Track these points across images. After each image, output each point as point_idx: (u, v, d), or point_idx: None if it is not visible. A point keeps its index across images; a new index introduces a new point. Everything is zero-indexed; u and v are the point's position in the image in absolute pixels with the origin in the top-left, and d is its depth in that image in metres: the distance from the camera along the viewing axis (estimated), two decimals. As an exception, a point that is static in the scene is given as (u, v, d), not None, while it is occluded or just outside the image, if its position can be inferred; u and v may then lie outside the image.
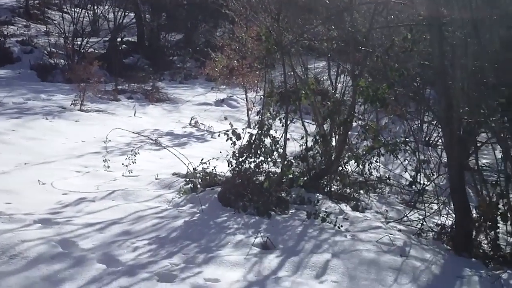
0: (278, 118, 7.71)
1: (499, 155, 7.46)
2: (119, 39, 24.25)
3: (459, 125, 8.01)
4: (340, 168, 8.68)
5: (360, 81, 7.03)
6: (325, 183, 8.18)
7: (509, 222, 6.99)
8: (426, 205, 7.93)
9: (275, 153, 7.50)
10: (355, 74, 7.75)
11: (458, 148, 6.58)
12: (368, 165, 8.53)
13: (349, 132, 8.36)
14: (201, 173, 7.66)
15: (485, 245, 6.48)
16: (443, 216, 7.16)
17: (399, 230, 6.87)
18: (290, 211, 7.02)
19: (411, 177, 7.45)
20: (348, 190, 8.32)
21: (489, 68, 7.40)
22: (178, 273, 4.81)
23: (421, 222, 6.96)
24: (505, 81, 7.21)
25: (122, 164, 8.24)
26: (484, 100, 7.23)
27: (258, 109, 9.39)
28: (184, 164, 7.73)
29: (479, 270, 5.88)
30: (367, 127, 7.93)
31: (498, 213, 6.37)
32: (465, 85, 6.80)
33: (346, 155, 8.63)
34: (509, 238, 7.17)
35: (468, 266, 5.94)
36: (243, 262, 5.19)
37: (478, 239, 6.52)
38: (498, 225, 6.44)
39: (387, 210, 7.94)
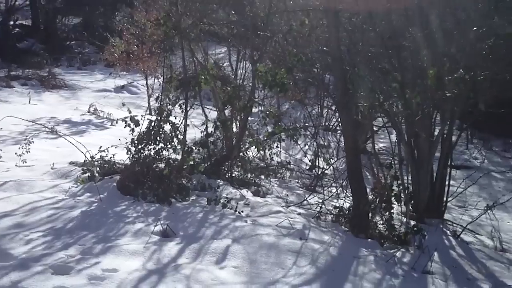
0: (178, 104, 7.60)
1: (394, 138, 7.75)
2: (11, 22, 23.11)
3: (356, 110, 8.24)
4: (242, 154, 8.71)
5: (259, 66, 7.04)
6: (226, 169, 8.17)
7: (402, 203, 7.29)
8: (326, 188, 8.10)
9: (175, 139, 7.38)
10: (254, 59, 7.74)
11: (354, 132, 6.74)
12: (269, 150, 8.60)
13: (250, 118, 8.38)
14: (99, 161, 7.43)
15: (381, 226, 6.69)
16: (341, 199, 7.33)
17: (299, 214, 6.97)
18: (191, 198, 6.95)
19: (309, 161, 7.57)
20: (249, 176, 8.35)
21: (384, 54, 7.63)
22: (74, 264, 4.63)
23: (320, 205, 7.09)
24: (399, 66, 7.46)
25: (15, 153, 7.86)
26: (379, 85, 7.45)
27: (157, 95, 9.23)
28: (82, 152, 7.47)
29: (375, 250, 6.06)
30: (268, 112, 7.97)
31: (392, 194, 6.59)
32: (360, 70, 6.98)
33: (247, 141, 8.66)
34: (403, 218, 7.47)
35: (364, 247, 6.10)
36: (142, 250, 5.08)
37: (374, 220, 6.72)
38: (393, 206, 6.67)
39: (287, 195, 8.04)
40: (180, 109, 7.75)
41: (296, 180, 9.33)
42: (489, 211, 7.88)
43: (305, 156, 9.25)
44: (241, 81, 9.09)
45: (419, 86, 6.72)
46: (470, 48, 6.79)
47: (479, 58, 6.18)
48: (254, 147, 8.34)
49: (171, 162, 7.36)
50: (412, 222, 6.95)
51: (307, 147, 9.65)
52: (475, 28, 6.60)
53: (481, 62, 6.07)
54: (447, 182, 8.65)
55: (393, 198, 6.61)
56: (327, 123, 12.47)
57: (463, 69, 5.75)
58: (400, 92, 6.79)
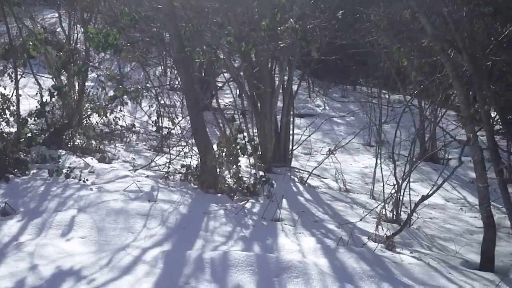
0: (5, 73, 7.09)
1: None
2: None
3: (198, 66, 8.17)
4: (84, 121, 8.38)
5: (90, 28, 6.72)
6: (68, 138, 7.82)
7: (249, 155, 7.40)
8: (173, 148, 8.03)
9: (6, 111, 6.91)
10: (85, 20, 7.39)
11: (194, 89, 6.68)
12: (111, 115, 8.34)
13: (91, 83, 8.06)
14: None
15: (229, 180, 6.75)
16: (189, 157, 7.29)
17: (147, 176, 6.86)
18: (32, 172, 6.59)
19: (153, 122, 7.45)
20: (93, 143, 8.07)
21: (219, 9, 7.59)
22: None
23: (167, 165, 7.01)
24: (234, 20, 7.47)
25: None
26: (216, 40, 7.42)
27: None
28: None
29: (225, 204, 6.12)
30: (106, 75, 7.69)
31: (238, 147, 6.66)
32: (195, 25, 6.89)
33: (89, 107, 8.34)
34: (252, 169, 7.60)
35: (214, 202, 6.14)
36: (-22, 233, 4.74)
37: (223, 175, 6.76)
38: (239, 159, 6.74)
39: (134, 158, 7.88)
40: (10, 79, 7.25)
41: (143, 143, 9.17)
42: (332, 154, 8.24)
43: (150, 118, 9.07)
44: (74, 45, 8.65)
45: (254, 38, 6.78)
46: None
47: (308, 8, 6.35)
48: (95, 113, 8.04)
49: (5, 136, 6.90)
50: (261, 173, 7.08)
51: (152, 108, 9.44)
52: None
53: (310, 12, 6.25)
54: (291, 131, 8.92)
55: (238, 151, 6.67)
56: (171, 83, 12.31)
57: (293, 18, 5.88)
58: (236, 46, 6.81)
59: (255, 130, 8.53)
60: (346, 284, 4.17)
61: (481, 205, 5.17)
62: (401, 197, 6.57)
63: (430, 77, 6.65)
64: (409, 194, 6.71)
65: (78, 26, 9.34)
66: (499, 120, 6.78)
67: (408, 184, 6.71)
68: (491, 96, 5.19)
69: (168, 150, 7.78)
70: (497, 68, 6.22)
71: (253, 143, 7.98)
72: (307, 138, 9.56)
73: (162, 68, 13.44)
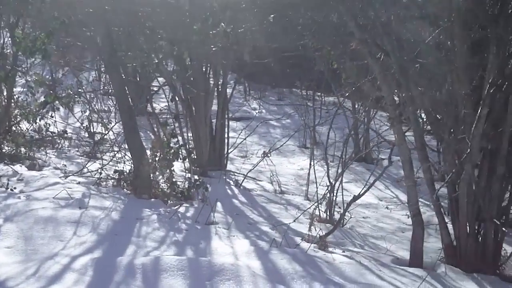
0: None
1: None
2: None
3: (129, 71, 8.07)
4: (14, 127, 8.16)
5: (16, 32, 6.54)
6: (-4, 145, 7.60)
7: (184, 159, 7.36)
8: (106, 154, 7.91)
9: None
10: (12, 24, 7.19)
11: (126, 94, 6.60)
12: (41, 120, 8.14)
13: (22, 89, 7.85)
14: None
15: (163, 184, 6.70)
16: (122, 163, 7.20)
17: (79, 183, 6.73)
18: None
19: (84, 128, 7.31)
20: (23, 150, 7.85)
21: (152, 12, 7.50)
22: None
23: (99, 171, 6.89)
24: (168, 24, 7.39)
25: None
26: (150, 44, 7.33)
27: None
28: None
29: (158, 209, 6.06)
30: (35, 81, 7.51)
31: (171, 152, 6.61)
32: (128, 29, 6.80)
33: (18, 113, 8.13)
34: (186, 174, 7.57)
35: (148, 207, 6.08)
36: None
37: (156, 179, 6.70)
38: (173, 163, 6.70)
39: (65, 165, 7.71)
40: None
41: (76, 149, 8.98)
42: (267, 157, 8.29)
43: (82, 123, 8.91)
44: (1, 50, 8.41)
45: (186, 42, 6.73)
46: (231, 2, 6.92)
47: (239, 12, 6.35)
48: (25, 119, 7.84)
49: None
50: (196, 177, 7.06)
51: (85, 114, 9.30)
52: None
53: (240, 15, 6.27)
54: (226, 135, 8.92)
55: (172, 155, 6.63)
56: (105, 88, 12.12)
57: (225, 23, 5.88)
58: (169, 50, 6.76)
59: (190, 134, 8.50)
60: (277, 285, 4.19)
61: (410, 204, 5.29)
62: (334, 198, 6.67)
63: (361, 79, 6.77)
64: (342, 195, 6.82)
65: (6, 30, 9.11)
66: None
67: (341, 184, 6.82)
68: (419, 97, 5.34)
69: (100, 156, 7.64)
70: (425, 70, 6.38)
71: (187, 146, 7.97)
72: (242, 141, 9.59)
73: (96, 73, 13.25)
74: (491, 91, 4.70)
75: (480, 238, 5.20)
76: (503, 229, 5.21)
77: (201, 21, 6.03)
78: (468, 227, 5.16)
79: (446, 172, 5.36)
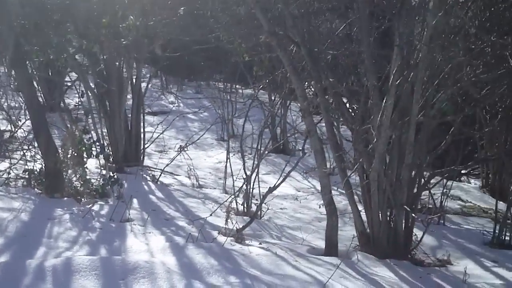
0: None
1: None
2: None
3: (38, 66, 7.81)
4: None
5: None
6: None
7: (100, 156, 7.19)
8: (15, 152, 7.63)
9: None
10: None
11: (34, 89, 6.39)
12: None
13: None
14: None
15: (76, 182, 6.51)
16: (32, 161, 6.95)
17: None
18: None
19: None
20: None
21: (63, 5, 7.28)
22: None
23: (8, 171, 6.63)
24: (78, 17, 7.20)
25: None
26: (58, 38, 7.11)
27: None
28: None
29: (71, 208, 5.89)
30: None
31: (83, 148, 6.45)
32: (35, 22, 6.57)
33: None
34: (102, 170, 7.39)
35: (60, 206, 5.90)
36: None
37: (69, 178, 6.51)
38: (85, 160, 6.53)
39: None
40: None
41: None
42: (183, 151, 8.22)
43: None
44: None
45: (96, 35, 6.57)
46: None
47: (149, 5, 6.27)
48: None
49: None
50: (112, 173, 6.91)
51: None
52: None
53: (151, 8, 6.20)
54: (142, 129, 8.79)
55: (84, 152, 6.46)
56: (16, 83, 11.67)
57: (133, 16, 5.78)
58: (78, 44, 6.58)
59: (104, 130, 8.32)
60: (192, 280, 4.16)
61: (323, 193, 5.38)
62: (251, 190, 6.69)
63: (274, 71, 6.82)
64: (259, 187, 6.85)
65: None
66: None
67: (257, 176, 6.85)
68: (330, 88, 5.43)
69: (9, 155, 7.35)
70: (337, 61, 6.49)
71: (102, 142, 7.79)
72: (159, 135, 9.47)
73: (5, 68, 12.74)
74: (397, 81, 4.83)
75: (392, 225, 5.35)
76: (413, 215, 5.39)
77: (110, 14, 5.92)
78: (380, 214, 5.30)
79: (357, 161, 5.47)
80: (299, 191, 8.37)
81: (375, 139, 4.86)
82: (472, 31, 5.02)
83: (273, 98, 9.93)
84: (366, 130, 5.14)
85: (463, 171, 10.29)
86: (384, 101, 4.81)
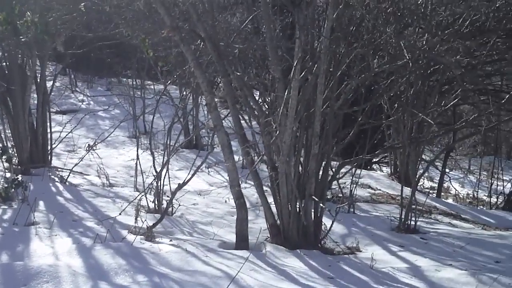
0: None
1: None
2: None
3: None
4: None
5: None
6: None
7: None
8: None
9: None
10: None
11: None
12: None
13: None
14: None
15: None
16: None
17: None
18: None
19: None
20: None
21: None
22: None
23: None
24: None
25: None
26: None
27: None
28: None
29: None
30: None
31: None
32: None
33: None
34: (6, 173, 7.13)
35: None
36: None
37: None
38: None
39: None
40: None
41: None
42: (92, 150, 8.01)
43: None
44: None
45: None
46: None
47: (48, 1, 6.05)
48: None
49: None
50: (16, 176, 6.66)
51: None
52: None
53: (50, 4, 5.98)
54: (49, 129, 8.51)
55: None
56: None
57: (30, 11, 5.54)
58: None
59: (8, 131, 8.01)
60: (99, 281, 4.06)
61: (232, 187, 5.38)
62: (162, 187, 6.61)
63: (180, 66, 6.76)
64: (169, 183, 6.79)
65: None
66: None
67: (167, 172, 6.77)
68: (236, 82, 5.43)
69: None
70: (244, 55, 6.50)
71: (6, 143, 7.50)
72: (67, 134, 9.20)
73: None
74: (301, 74, 4.89)
75: (301, 216, 5.41)
76: (322, 205, 5.47)
77: (7, 10, 5.66)
78: (289, 206, 5.35)
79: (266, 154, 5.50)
80: (212, 186, 8.35)
81: (278, 131, 4.89)
82: (370, 23, 5.14)
83: (183, 93, 9.85)
84: (273, 121, 5.16)
85: (374, 160, 10.64)
86: (286, 92, 4.85)
